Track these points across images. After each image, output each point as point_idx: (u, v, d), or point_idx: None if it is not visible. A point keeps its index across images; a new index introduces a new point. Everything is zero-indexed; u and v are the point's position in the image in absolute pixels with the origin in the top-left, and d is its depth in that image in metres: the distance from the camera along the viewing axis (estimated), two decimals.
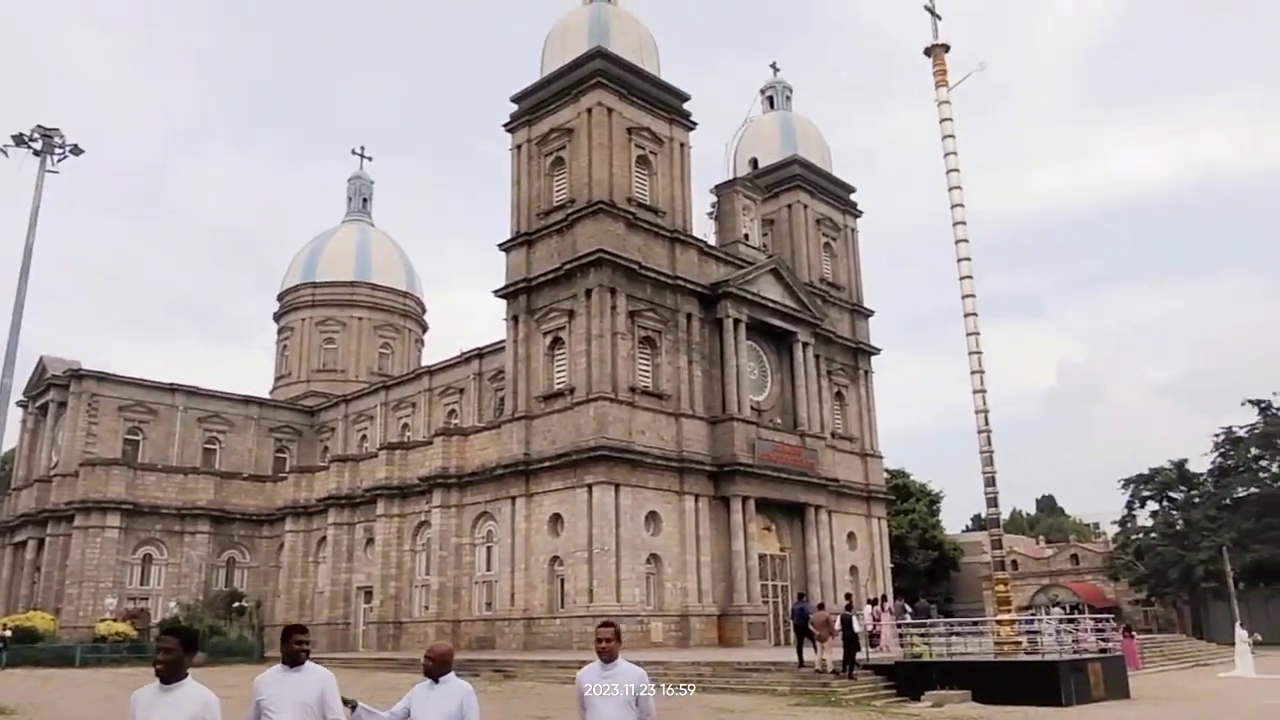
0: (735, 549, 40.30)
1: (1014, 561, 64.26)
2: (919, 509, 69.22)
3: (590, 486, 36.89)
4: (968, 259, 24.95)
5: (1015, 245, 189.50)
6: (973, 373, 24.27)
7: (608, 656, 6.46)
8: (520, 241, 42.69)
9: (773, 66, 56.88)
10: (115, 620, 44.55)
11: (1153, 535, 58.30)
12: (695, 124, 45.05)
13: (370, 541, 47.00)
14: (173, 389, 59.75)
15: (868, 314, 54.08)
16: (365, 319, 70.99)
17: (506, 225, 43.81)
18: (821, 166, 53.87)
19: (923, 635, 25.75)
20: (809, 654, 24.43)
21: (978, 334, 24.48)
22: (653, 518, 38.35)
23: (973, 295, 24.72)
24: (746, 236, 46.93)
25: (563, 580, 37.77)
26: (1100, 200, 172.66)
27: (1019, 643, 23.44)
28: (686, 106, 44.98)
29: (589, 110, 41.06)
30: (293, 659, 6.05)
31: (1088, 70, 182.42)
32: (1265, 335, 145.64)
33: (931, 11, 26.52)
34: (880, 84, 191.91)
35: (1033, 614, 34.37)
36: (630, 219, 40.53)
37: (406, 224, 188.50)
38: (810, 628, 24.34)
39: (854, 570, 47.87)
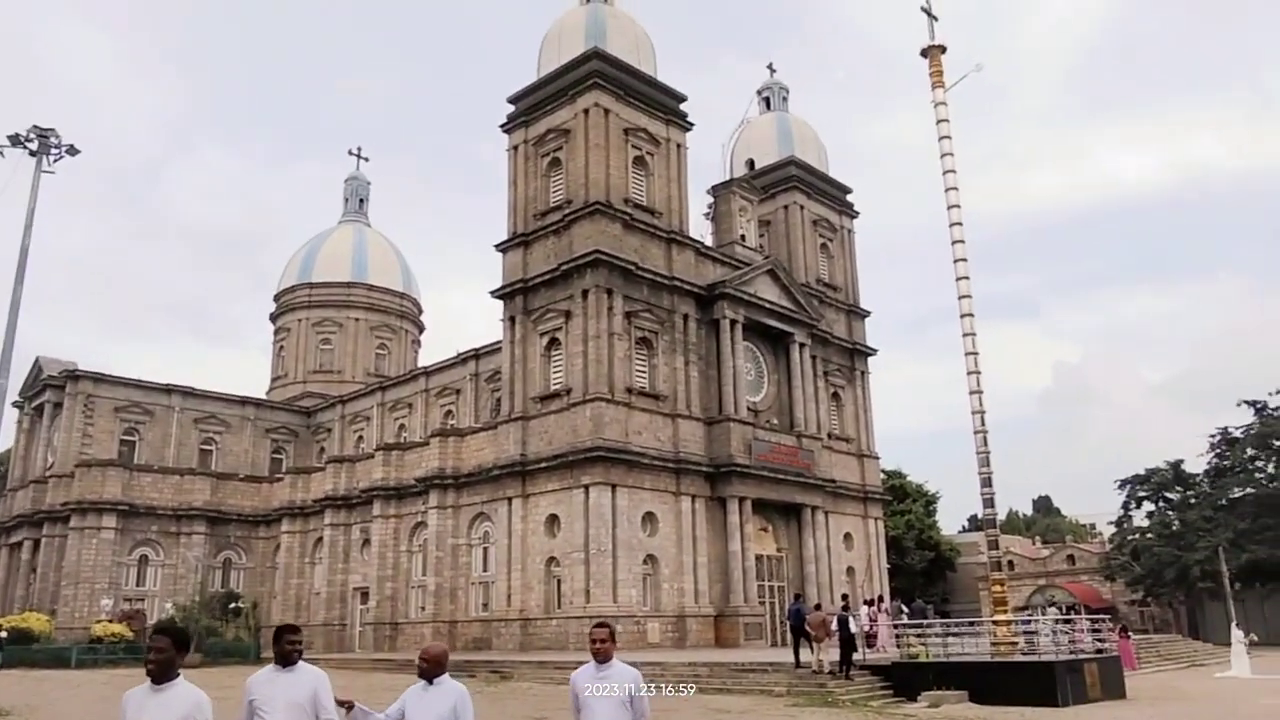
0: (732, 550, 40.31)
1: (1010, 562, 64.28)
2: (915, 510, 69.24)
3: (587, 487, 36.88)
4: (964, 260, 24.99)
5: (1011, 246, 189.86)
6: (969, 373, 24.31)
7: (602, 657, 6.44)
8: (517, 242, 42.68)
9: (769, 68, 56.97)
10: (111, 621, 44.48)
11: (1149, 536, 58.34)
12: (692, 125, 45.08)
13: (367, 542, 46.97)
14: (169, 390, 59.68)
15: (864, 315, 54.11)
16: (362, 320, 70.96)
17: (503, 226, 43.83)
18: (818, 167, 53.90)
19: (919, 636, 25.79)
20: (806, 655, 24.45)
21: (974, 335, 24.51)
22: (649, 518, 38.35)
23: (969, 296, 24.77)
24: (743, 237, 46.95)
25: (559, 581, 37.75)
26: (1096, 201, 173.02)
27: (1015, 643, 23.49)
28: (683, 107, 45.01)
29: (586, 111, 41.06)
30: (285, 659, 6.02)
31: (1083, 72, 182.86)
32: (1261, 336, 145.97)
33: (928, 13, 26.58)
34: (877, 85, 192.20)
35: (1030, 615, 34.40)
36: (627, 220, 40.53)
37: (403, 225, 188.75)
38: (807, 628, 24.35)
39: (850, 571, 47.89)
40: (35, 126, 25.47)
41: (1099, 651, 24.88)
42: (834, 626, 24.04)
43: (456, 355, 54.88)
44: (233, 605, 48.52)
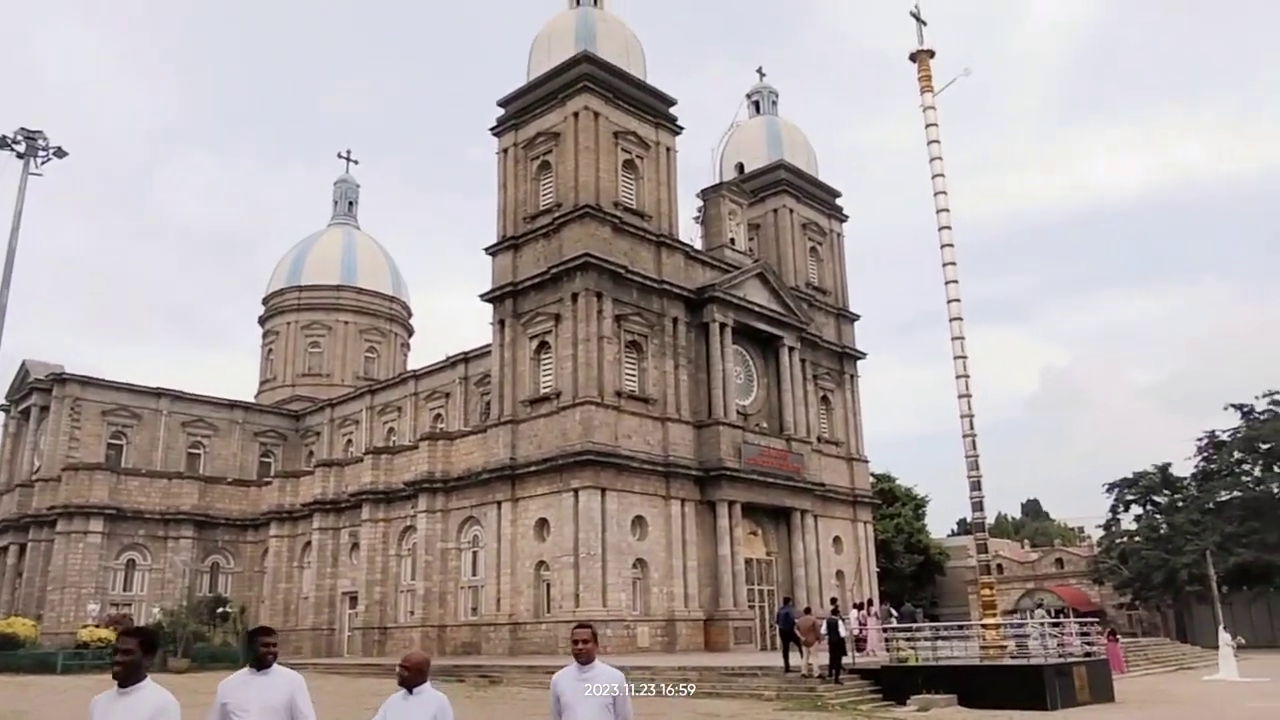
0: (721, 553, 40.30)
1: (999, 565, 64.41)
2: (905, 513, 69.36)
3: (576, 491, 36.84)
4: (953, 263, 25.03)
5: (1000, 250, 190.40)
6: (958, 377, 24.34)
7: (585, 659, 6.35)
8: (506, 245, 42.64)
9: (759, 71, 57.10)
10: (98, 626, 44.14)
11: (1137, 539, 58.53)
12: (682, 128, 45.13)
13: (355, 546, 46.79)
14: (157, 393, 59.44)
15: (853, 318, 54.22)
16: (351, 323, 70.79)
17: (493, 229, 43.82)
18: (807, 171, 54.02)
19: (908, 639, 25.78)
20: (795, 658, 24.43)
21: (963, 338, 24.54)
22: (639, 522, 38.32)
23: (958, 299, 24.80)
24: (733, 241, 47.00)
25: (549, 585, 37.69)
26: (1084, 205, 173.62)
27: (1004, 647, 23.51)
28: (673, 111, 45.05)
29: (575, 114, 41.06)
30: (260, 661, 5.91)
31: (1070, 76, 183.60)
32: (1248, 339, 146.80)
33: (917, 18, 26.64)
34: (866, 89, 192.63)
35: (1020, 618, 34.45)
36: (617, 223, 40.53)
37: (392, 228, 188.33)
38: (796, 632, 24.34)
39: (840, 574, 47.95)
40: (23, 129, 25.35)
41: (1087, 655, 24.92)
42: (823, 630, 24.04)
43: (446, 359, 54.79)
44: (220, 610, 48.23)
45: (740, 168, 53.34)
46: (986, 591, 24.04)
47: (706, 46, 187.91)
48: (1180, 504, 57.82)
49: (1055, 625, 27.40)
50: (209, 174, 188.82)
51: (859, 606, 32.63)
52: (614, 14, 46.95)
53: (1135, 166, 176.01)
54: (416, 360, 69.25)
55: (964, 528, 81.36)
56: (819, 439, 48.68)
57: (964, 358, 24.39)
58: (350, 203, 77.77)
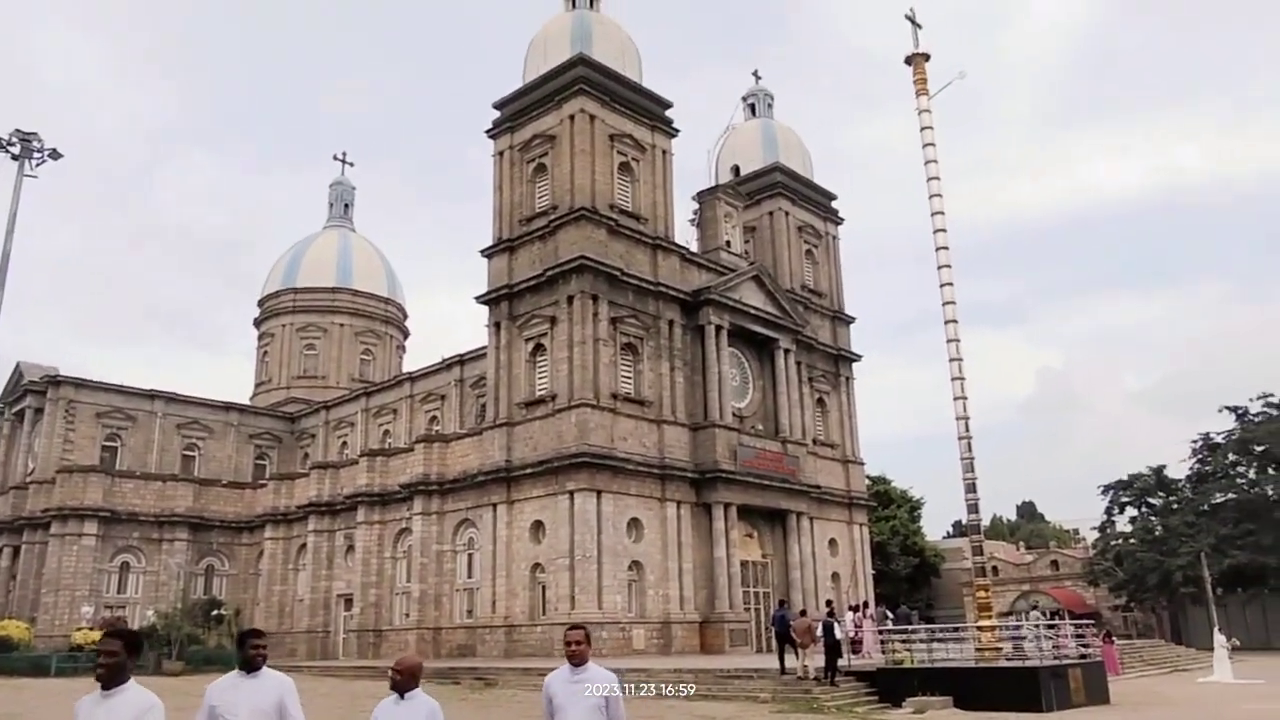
0: (717, 556, 40.28)
1: (994, 568, 64.52)
2: (900, 515, 69.38)
3: (572, 493, 36.80)
4: (948, 266, 25.07)
5: (995, 252, 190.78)
6: (953, 379, 24.38)
7: (578, 660, 6.32)
8: (502, 248, 42.62)
9: (754, 74, 57.11)
10: (92, 629, 44.00)
11: (1132, 541, 58.66)
12: (677, 131, 45.13)
13: (351, 549, 46.72)
14: (151, 395, 59.32)
15: (849, 320, 54.24)
16: (346, 325, 70.72)
17: (489, 232, 43.77)
18: (803, 174, 54.05)
19: (904, 641, 25.80)
20: (791, 661, 24.43)
21: (958, 341, 24.59)
22: (635, 524, 38.30)
23: (953, 302, 24.85)
24: (728, 243, 47.01)
25: (544, 587, 37.63)
26: (1079, 207, 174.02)
27: (1000, 648, 23.54)
28: (669, 114, 45.05)
29: (571, 117, 41.06)
30: (249, 664, 5.86)
31: (1066, 79, 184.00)
32: (1242, 341, 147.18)
33: (912, 21, 26.71)
34: (862, 91, 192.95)
35: (1015, 620, 34.49)
36: (612, 225, 40.53)
37: (388, 230, 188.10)
38: (792, 634, 24.34)
39: (835, 577, 47.94)
40: (17, 130, 25.33)
41: (1083, 656, 24.95)
42: (819, 632, 24.03)
43: (441, 361, 54.76)
44: (215, 612, 48.13)
45: (736, 170, 53.35)
46: (982, 593, 24.07)
47: (702, 49, 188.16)
48: (1175, 506, 57.97)
49: (1050, 627, 27.46)
50: (205, 176, 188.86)
51: (855, 608, 32.66)
52: (610, 16, 46.98)
53: (1131, 169, 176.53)
54: (412, 363, 69.24)
55: (959, 530, 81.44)
56: (814, 441, 48.69)
57: (959, 360, 24.44)
58: (346, 205, 77.70)
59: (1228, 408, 57.08)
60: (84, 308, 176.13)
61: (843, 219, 55.95)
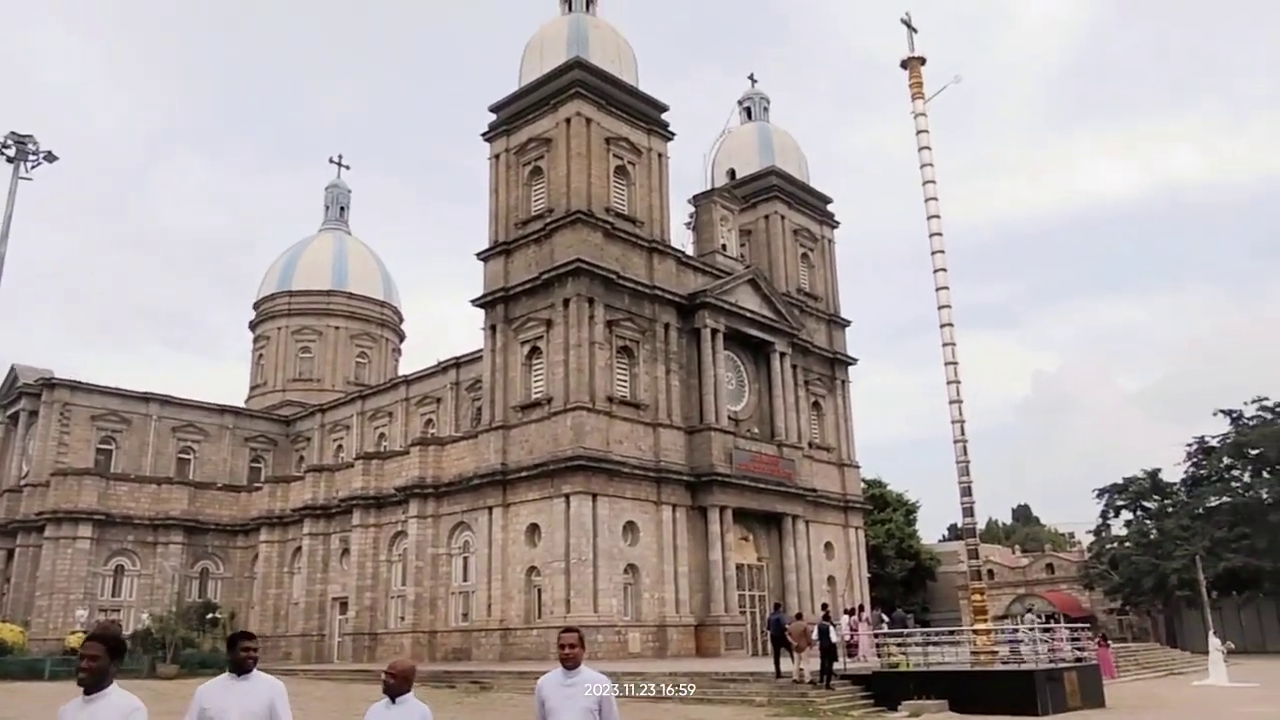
0: (713, 559, 40.26)
1: (990, 571, 64.53)
2: (896, 519, 69.41)
3: (567, 496, 36.78)
4: (944, 269, 25.09)
5: (991, 255, 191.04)
6: (949, 383, 24.39)
7: (571, 663, 6.28)
8: (498, 251, 42.61)
9: (750, 78, 57.11)
10: (86, 632, 43.88)
11: (1127, 544, 58.72)
12: (673, 134, 45.16)
13: (346, 552, 46.64)
14: (146, 398, 59.22)
15: (845, 324, 54.27)
16: (342, 328, 70.65)
17: (484, 235, 43.77)
18: (799, 177, 54.09)
19: (900, 645, 25.81)
20: (786, 664, 24.42)
21: (953, 344, 24.60)
22: (630, 528, 38.28)
23: (948, 305, 24.86)
24: (724, 247, 47.03)
25: (540, 591, 37.59)
26: (1074, 211, 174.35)
27: (995, 652, 23.55)
28: (665, 117, 45.09)
29: (567, 120, 41.07)
30: (239, 666, 5.82)
31: (1061, 83, 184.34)
32: (1237, 344, 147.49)
33: (908, 25, 26.75)
34: (857, 95, 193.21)
35: (1011, 624, 34.52)
36: (608, 229, 40.54)
37: (384, 233, 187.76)
38: (787, 638, 24.33)
39: (831, 580, 47.93)
40: (12, 133, 25.25)
41: (1078, 660, 24.98)
42: (815, 636, 24.03)
43: (437, 364, 54.73)
44: (210, 615, 48.01)
45: (732, 174, 53.38)
46: (977, 597, 24.06)
47: (698, 53, 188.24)
48: (1170, 509, 58.06)
49: (1046, 630, 27.48)
50: (200, 178, 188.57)
51: (850, 612, 32.64)
52: (606, 20, 47.00)
53: (1127, 171, 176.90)
54: (408, 365, 69.18)
55: (955, 533, 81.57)
56: (810, 444, 48.71)
57: (955, 363, 24.45)
58: (341, 208, 77.67)
59: (1222, 411, 57.25)
60: (79, 310, 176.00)
61: (838, 222, 56.01)
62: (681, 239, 46.69)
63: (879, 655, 26.78)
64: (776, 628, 25.26)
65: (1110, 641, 34.96)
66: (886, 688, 22.96)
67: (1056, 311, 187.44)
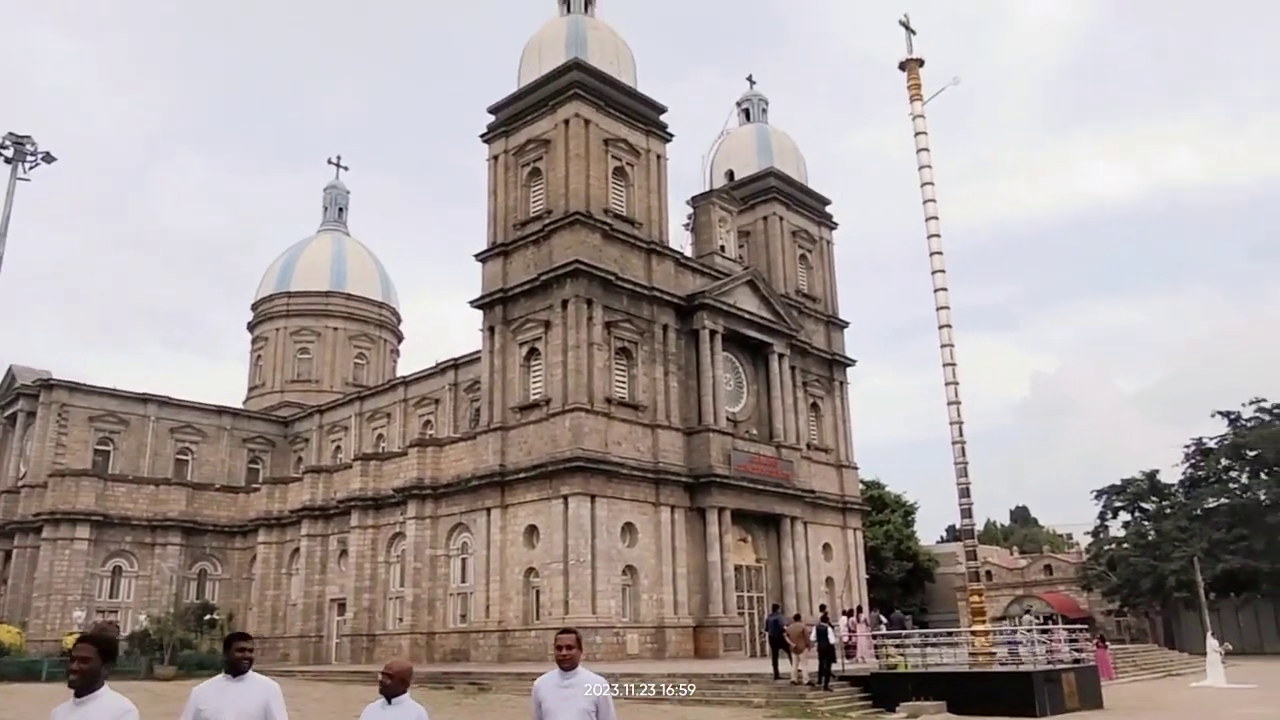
0: (711, 560, 40.26)
1: (988, 572, 64.53)
2: (894, 520, 69.44)
3: (566, 498, 36.77)
4: (942, 271, 25.10)
5: (989, 256, 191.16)
6: (947, 384, 24.40)
7: (568, 665, 6.25)
8: (496, 252, 42.60)
9: (749, 79, 57.12)
10: (83, 633, 43.90)
11: (1125, 546, 58.73)
12: (672, 136, 45.17)
13: (344, 553, 46.61)
14: (144, 399, 59.19)
15: (843, 325, 54.29)
16: (340, 329, 70.62)
17: (483, 236, 43.77)
18: (797, 179, 54.12)
19: (898, 646, 25.80)
20: (784, 665, 24.41)
21: (952, 345, 24.61)
22: (629, 529, 38.27)
23: (947, 307, 24.88)
24: (723, 248, 47.04)
25: (538, 592, 37.57)
26: (1073, 212, 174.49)
27: (994, 653, 23.55)
28: (663, 119, 45.11)
29: (566, 121, 41.07)
30: (235, 667, 5.81)
31: (1059, 85, 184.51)
32: (1235, 346, 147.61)
33: (906, 27, 26.78)
34: (856, 96, 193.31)
35: (1013, 627, 34.55)
36: (607, 230, 40.54)
37: (382, 234, 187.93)
38: (786, 639, 24.32)
39: (829, 581, 47.93)
40: (11, 133, 25.21)
41: (1076, 661, 24.99)
42: (813, 637, 24.02)
43: (435, 365, 54.73)
44: (208, 617, 47.99)
45: (730, 175, 53.40)
46: (975, 598, 24.07)
47: (697, 55, 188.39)
48: (1168, 511, 58.07)
49: (1044, 632, 27.49)
50: (199, 178, 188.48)
51: (848, 613, 32.64)
52: (605, 21, 47.01)
53: (1126, 173, 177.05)
54: (406, 367, 69.19)
55: (953, 534, 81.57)
56: (809, 446, 48.72)
57: (953, 364, 24.46)
58: (340, 209, 77.68)
59: (1220, 413, 57.26)
60: (78, 310, 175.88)
61: (837, 224, 56.04)
62: (680, 240, 46.77)
63: (877, 656, 26.78)
64: (775, 629, 25.25)
65: (1108, 643, 34.98)
66: (885, 689, 22.96)
67: (1055, 313, 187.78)
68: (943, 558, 72.01)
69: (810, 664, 23.98)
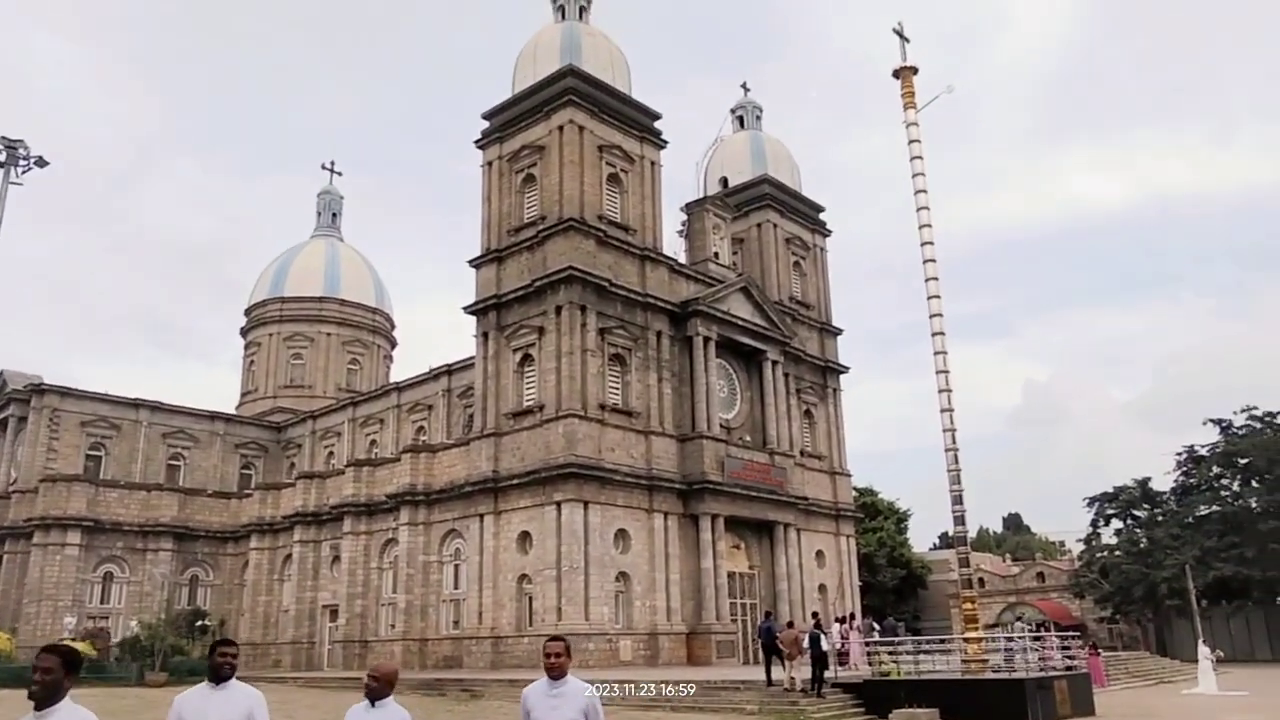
0: (704, 567, 40.23)
1: (981, 579, 64.62)
2: (887, 527, 69.48)
3: (559, 504, 36.72)
4: (935, 279, 25.14)
5: (982, 264, 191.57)
6: (940, 391, 24.43)
7: (557, 673, 6.23)
8: (490, 258, 42.60)
9: (743, 87, 57.26)
10: (75, 639, 43.60)
11: (1117, 553, 58.83)
12: (666, 142, 45.24)
13: (336, 559, 46.50)
14: (136, 404, 59.02)
15: (836, 332, 54.37)
16: (334, 335, 70.53)
17: (477, 242, 43.76)
18: (791, 186, 54.22)
19: (891, 653, 25.80)
20: (777, 672, 24.40)
21: (945, 353, 24.64)
22: (622, 535, 38.23)
23: (940, 315, 24.91)
24: (716, 255, 47.09)
25: (531, 598, 37.53)
26: (1065, 221, 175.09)
27: (986, 660, 23.56)
28: (657, 125, 45.17)
29: (560, 128, 41.11)
30: (215, 673, 5.74)
31: (1052, 94, 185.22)
32: (1226, 354, 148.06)
33: (900, 35, 26.85)
34: (850, 104, 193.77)
35: (1005, 634, 34.57)
36: (601, 236, 40.56)
37: (376, 240, 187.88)
38: (778, 646, 24.32)
39: (822, 588, 47.93)
40: (3, 138, 25.15)
41: (1069, 668, 25.01)
42: (805, 644, 24.02)
43: (429, 371, 54.66)
44: (199, 623, 47.85)
45: (724, 182, 53.49)
46: (968, 605, 24.10)
47: (692, 62, 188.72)
48: (1160, 518, 58.18)
49: (1036, 639, 27.50)
50: (192, 183, 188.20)
51: (841, 620, 32.69)
52: (599, 28, 47.09)
53: (1117, 182, 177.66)
54: (399, 372, 69.21)
55: (946, 541, 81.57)
56: (802, 453, 48.73)
57: (946, 372, 24.49)
58: (334, 214, 77.63)
59: (1212, 420, 57.38)
60: (70, 315, 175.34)
61: (830, 231, 56.15)
62: (674, 247, 46.85)
63: (870, 663, 26.78)
64: (767, 636, 25.26)
65: (1100, 650, 35.06)
66: (877, 696, 22.94)
67: (1048, 321, 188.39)
68: (935, 565, 72.00)
69: (803, 671, 23.96)
